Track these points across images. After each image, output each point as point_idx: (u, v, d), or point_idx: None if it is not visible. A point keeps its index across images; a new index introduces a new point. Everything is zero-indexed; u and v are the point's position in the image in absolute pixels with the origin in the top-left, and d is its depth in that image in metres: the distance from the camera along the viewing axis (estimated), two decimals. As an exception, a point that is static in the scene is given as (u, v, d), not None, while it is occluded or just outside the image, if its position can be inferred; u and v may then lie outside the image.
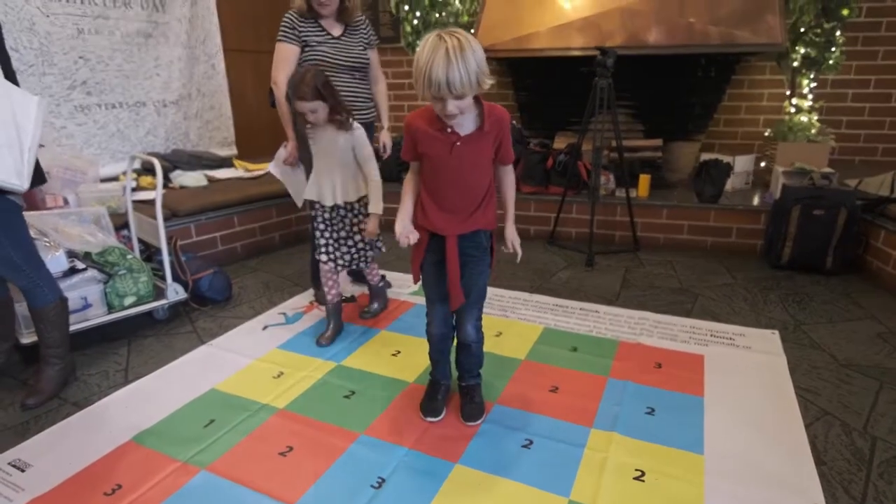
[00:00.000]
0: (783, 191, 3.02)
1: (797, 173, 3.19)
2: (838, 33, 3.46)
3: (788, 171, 3.23)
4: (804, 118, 3.61)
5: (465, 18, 3.99)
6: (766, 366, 1.99)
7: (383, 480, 1.43)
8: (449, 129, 1.40)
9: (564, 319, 2.39)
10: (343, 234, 2.18)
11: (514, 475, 1.44)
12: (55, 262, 2.07)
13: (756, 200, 3.35)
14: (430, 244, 1.53)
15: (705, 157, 3.55)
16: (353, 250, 2.21)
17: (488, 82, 1.32)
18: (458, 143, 1.41)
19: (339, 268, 2.21)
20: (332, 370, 1.99)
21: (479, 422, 1.66)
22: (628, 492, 1.38)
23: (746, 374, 1.93)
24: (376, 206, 2.06)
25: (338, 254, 2.19)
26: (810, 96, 3.67)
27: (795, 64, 3.58)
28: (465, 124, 1.42)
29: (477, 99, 1.40)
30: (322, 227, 2.17)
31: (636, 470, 1.46)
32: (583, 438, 1.58)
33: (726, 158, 3.46)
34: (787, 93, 3.74)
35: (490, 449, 1.55)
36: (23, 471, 1.49)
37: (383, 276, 2.59)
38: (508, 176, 1.58)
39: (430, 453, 1.54)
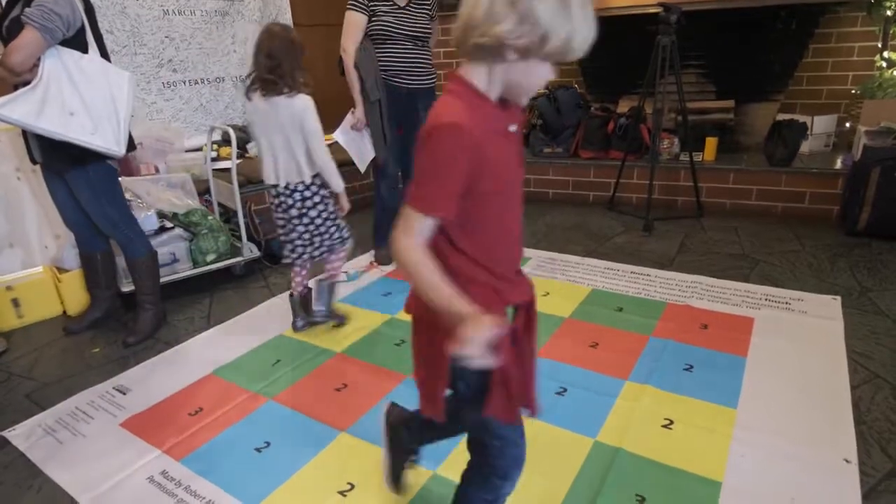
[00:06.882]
0: (863, 152, 2.81)
1: (882, 133, 2.95)
2: (943, -25, 3.11)
3: (872, 130, 2.99)
4: (897, 73, 3.30)
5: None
6: (820, 329, 1.93)
7: (424, 416, 1.57)
8: (514, 128, 0.88)
9: (614, 282, 2.41)
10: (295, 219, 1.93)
11: (545, 418, 1.52)
12: (148, 220, 2.36)
13: (838, 164, 3.14)
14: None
15: (781, 117, 3.35)
16: (308, 237, 1.95)
17: None
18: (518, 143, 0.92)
19: (303, 260, 1.99)
20: (386, 321, 2.15)
21: (517, 371, 1.74)
22: (654, 437, 1.44)
23: (796, 338, 1.88)
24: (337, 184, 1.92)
25: (297, 243, 1.96)
26: (906, 48, 3.35)
27: (889, 13, 3.26)
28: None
29: None
30: (279, 212, 1.96)
31: (665, 419, 1.50)
32: (616, 389, 1.64)
33: (802, 118, 3.26)
34: (879, 45, 3.42)
35: (525, 394, 1.65)
36: (124, 394, 1.77)
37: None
38: None
39: (468, 396, 1.66)
